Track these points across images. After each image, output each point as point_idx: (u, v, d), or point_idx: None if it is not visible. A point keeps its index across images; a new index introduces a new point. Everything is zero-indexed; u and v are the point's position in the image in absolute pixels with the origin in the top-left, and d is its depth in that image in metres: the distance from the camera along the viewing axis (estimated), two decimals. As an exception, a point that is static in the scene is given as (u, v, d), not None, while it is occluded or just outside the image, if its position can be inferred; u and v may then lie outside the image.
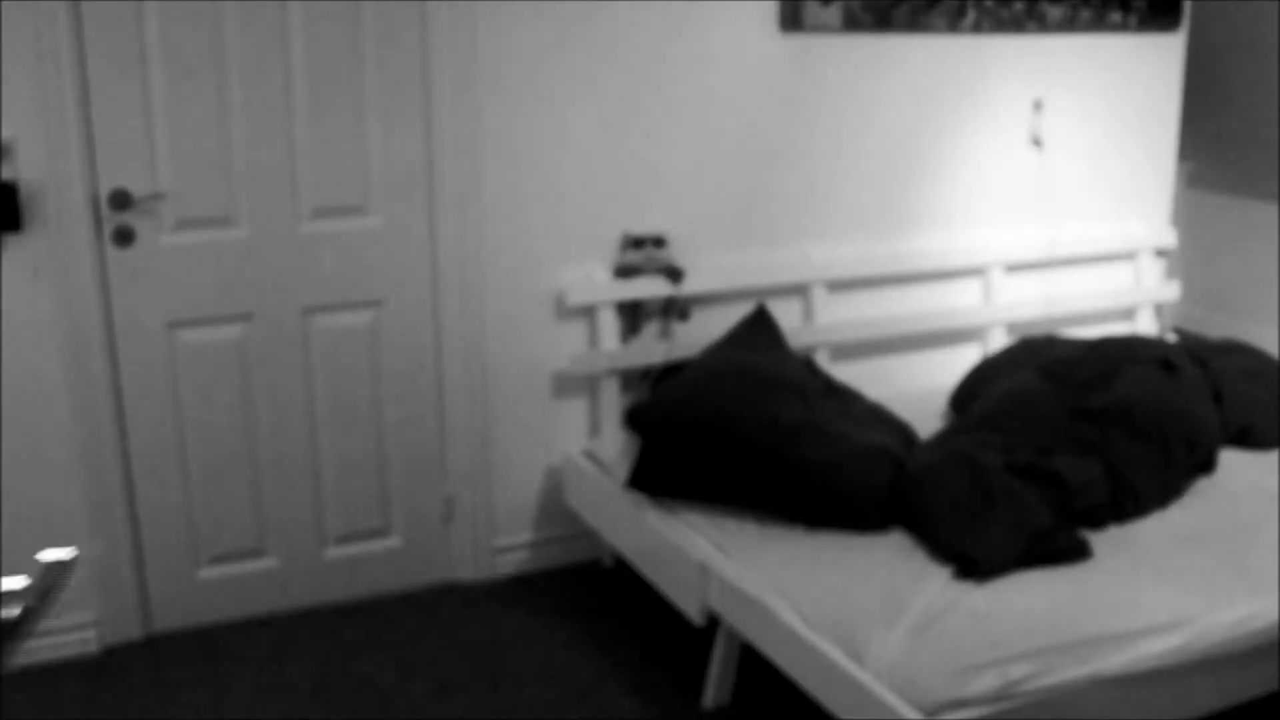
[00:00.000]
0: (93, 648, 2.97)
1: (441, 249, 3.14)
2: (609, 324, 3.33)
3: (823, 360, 3.59)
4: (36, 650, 2.89)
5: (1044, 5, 3.79)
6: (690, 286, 3.39)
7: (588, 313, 3.33)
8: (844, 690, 2.23)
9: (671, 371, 3.26)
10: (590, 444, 3.31)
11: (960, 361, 3.82)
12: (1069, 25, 3.86)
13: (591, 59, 3.21)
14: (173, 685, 2.83)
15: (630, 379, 3.40)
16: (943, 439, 2.99)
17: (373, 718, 2.70)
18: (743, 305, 3.42)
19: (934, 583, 2.43)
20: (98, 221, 2.81)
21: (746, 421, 2.81)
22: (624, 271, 3.33)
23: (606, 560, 3.42)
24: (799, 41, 3.46)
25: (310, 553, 3.19)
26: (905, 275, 3.79)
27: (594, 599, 3.26)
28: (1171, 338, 4.08)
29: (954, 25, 3.65)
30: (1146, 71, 4.10)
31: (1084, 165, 4.06)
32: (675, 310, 3.42)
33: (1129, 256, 4.22)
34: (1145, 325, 4.23)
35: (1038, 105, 3.90)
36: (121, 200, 2.81)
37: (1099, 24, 3.91)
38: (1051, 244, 4.00)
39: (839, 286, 3.68)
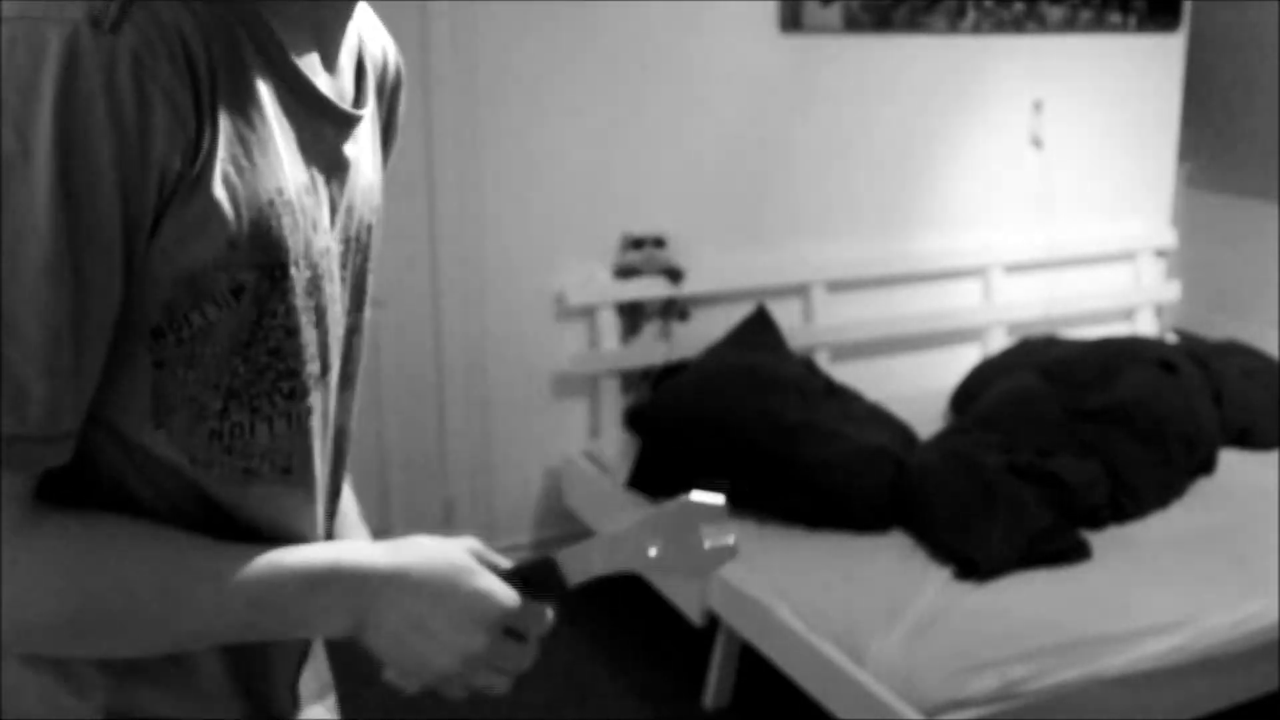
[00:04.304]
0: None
1: (441, 249, 3.14)
2: (609, 324, 3.33)
3: (823, 361, 3.58)
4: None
5: (1044, 5, 3.79)
6: (690, 287, 3.38)
7: (588, 313, 3.33)
8: (844, 691, 2.23)
9: (672, 372, 3.25)
10: (590, 444, 3.31)
11: (960, 362, 3.82)
12: (1069, 26, 3.85)
13: (591, 59, 3.21)
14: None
15: (630, 379, 3.39)
16: (943, 439, 2.99)
17: (372, 718, 2.70)
18: (743, 305, 3.42)
19: (934, 583, 2.43)
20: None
21: (747, 422, 2.81)
22: (624, 272, 3.33)
23: (606, 560, 3.42)
24: (799, 42, 3.46)
25: (310, 553, 3.19)
26: (905, 275, 3.78)
27: (594, 599, 3.25)
28: (1171, 338, 4.08)
29: (954, 25, 3.65)
30: (1146, 71, 4.09)
31: (1084, 165, 4.06)
32: (675, 310, 3.42)
33: (1129, 257, 4.22)
34: (1145, 326, 4.23)
35: (1037, 106, 3.89)
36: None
37: (1099, 24, 3.91)
38: (1051, 244, 4.00)
39: (839, 287, 3.68)
